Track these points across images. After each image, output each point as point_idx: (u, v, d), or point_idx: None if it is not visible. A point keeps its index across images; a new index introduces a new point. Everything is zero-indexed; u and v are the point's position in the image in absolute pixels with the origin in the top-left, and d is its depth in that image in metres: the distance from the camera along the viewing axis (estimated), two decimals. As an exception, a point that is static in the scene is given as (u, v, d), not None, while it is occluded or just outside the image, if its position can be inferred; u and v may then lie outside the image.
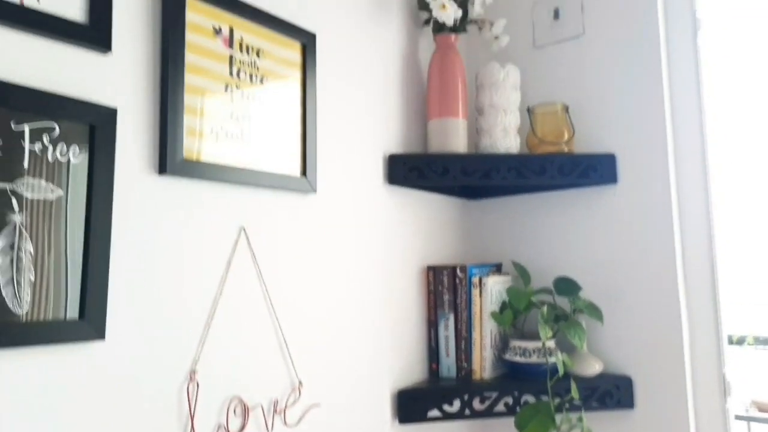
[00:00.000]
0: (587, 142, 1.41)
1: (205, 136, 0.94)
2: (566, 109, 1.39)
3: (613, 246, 1.38)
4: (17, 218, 0.73)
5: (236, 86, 0.99)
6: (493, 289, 1.37)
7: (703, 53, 1.32)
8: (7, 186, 0.72)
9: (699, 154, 1.33)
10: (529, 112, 1.41)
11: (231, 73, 0.99)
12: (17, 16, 0.73)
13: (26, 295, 0.73)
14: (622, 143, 1.37)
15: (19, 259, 0.73)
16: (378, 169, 1.31)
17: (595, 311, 1.31)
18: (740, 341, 1.57)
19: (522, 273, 1.40)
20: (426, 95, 1.41)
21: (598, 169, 1.36)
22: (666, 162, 1.33)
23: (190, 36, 0.92)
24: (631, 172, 1.36)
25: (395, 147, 1.37)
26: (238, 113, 0.99)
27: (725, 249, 1.33)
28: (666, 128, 1.33)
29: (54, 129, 0.76)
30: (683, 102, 1.34)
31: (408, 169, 1.33)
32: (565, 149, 1.37)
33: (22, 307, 0.73)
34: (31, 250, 0.74)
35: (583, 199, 1.43)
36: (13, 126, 0.73)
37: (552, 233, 1.47)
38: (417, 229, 1.41)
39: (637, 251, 1.34)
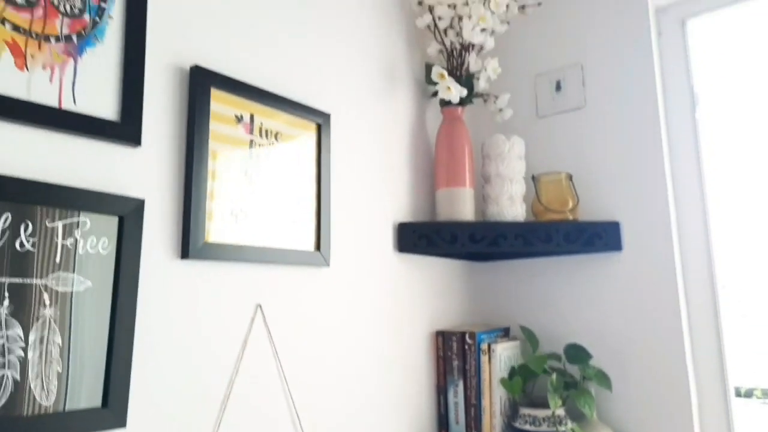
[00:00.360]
0: (591, 209, 1.45)
1: (225, 218, 0.97)
2: (570, 177, 1.44)
3: (619, 312, 1.40)
4: (48, 312, 0.75)
5: (255, 169, 1.03)
6: (502, 355, 1.38)
7: (701, 126, 1.37)
8: (40, 282, 0.75)
9: (701, 221, 1.37)
10: (533, 180, 1.45)
11: (251, 157, 1.03)
12: (56, 118, 0.77)
13: (53, 387, 0.75)
14: (626, 211, 1.41)
15: (48, 352, 0.75)
16: (388, 237, 1.35)
17: (604, 379, 1.32)
18: (748, 394, 1.57)
19: (530, 338, 1.42)
20: (434, 165, 1.46)
21: (603, 237, 1.39)
22: (669, 229, 1.36)
23: (213, 125, 0.97)
24: (635, 239, 1.39)
25: (404, 215, 1.40)
26: (256, 194, 1.03)
27: (730, 306, 1.35)
28: (668, 197, 1.37)
29: (86, 223, 0.80)
30: (684, 171, 1.38)
31: (417, 237, 1.36)
32: (570, 217, 1.41)
33: (49, 398, 0.74)
34: (59, 342, 0.76)
35: (588, 265, 1.46)
36: (48, 223, 0.76)
37: (559, 297, 1.49)
38: (426, 293, 1.44)
39: (643, 317, 1.36)
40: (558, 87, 1.51)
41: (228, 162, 0.99)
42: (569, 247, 1.37)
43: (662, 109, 1.40)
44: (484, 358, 1.37)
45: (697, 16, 1.38)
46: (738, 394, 1.36)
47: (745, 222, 1.43)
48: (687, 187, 1.38)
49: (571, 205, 1.42)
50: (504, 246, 1.36)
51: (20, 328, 0.73)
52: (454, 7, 1.39)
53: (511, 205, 1.42)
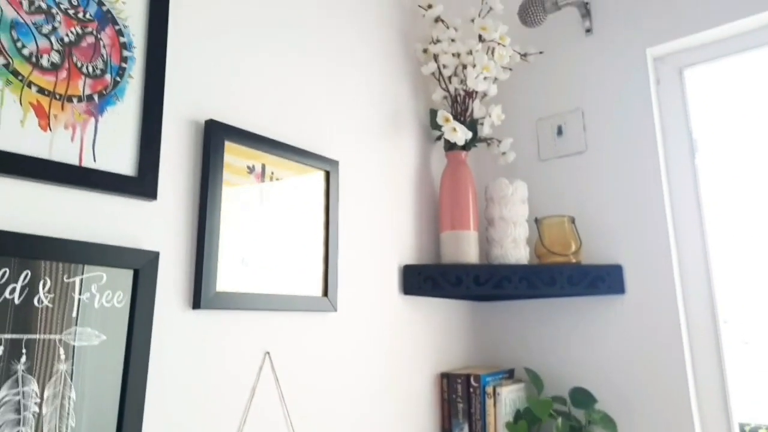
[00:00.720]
0: (594, 252, 1.47)
1: (235, 266, 0.99)
2: (572, 220, 1.46)
3: (624, 354, 1.40)
4: (63, 367, 0.76)
5: (266, 216, 1.05)
6: (507, 398, 1.38)
7: (701, 171, 1.40)
8: (57, 337, 0.76)
9: (702, 264, 1.38)
10: (536, 222, 1.47)
11: (261, 205, 1.05)
12: (77, 176, 0.79)
13: (66, 442, 0.75)
14: (628, 254, 1.43)
15: (62, 407, 0.76)
16: (393, 280, 1.36)
17: (610, 424, 1.32)
18: (753, 431, 1.57)
19: (535, 380, 1.42)
20: (438, 207, 1.48)
21: (606, 280, 1.41)
22: (671, 272, 1.37)
23: (226, 176, 0.99)
24: (638, 282, 1.41)
25: (409, 257, 1.42)
26: (266, 241, 1.05)
27: (733, 345, 1.36)
28: (669, 240, 1.39)
29: (102, 277, 0.81)
30: (684, 216, 1.41)
31: (422, 279, 1.38)
32: (573, 260, 1.43)
33: (61, 454, 0.75)
34: (73, 397, 0.77)
35: (592, 307, 1.47)
36: (65, 279, 0.78)
37: (563, 339, 1.50)
38: (430, 335, 1.44)
39: (647, 359, 1.37)
40: (559, 131, 1.55)
41: (239, 211, 1.01)
42: (573, 290, 1.39)
43: (662, 154, 1.43)
44: (489, 402, 1.37)
45: (694, 66, 1.42)
46: (743, 431, 1.36)
47: (746, 264, 1.45)
48: (688, 231, 1.40)
49: (574, 248, 1.44)
50: (508, 288, 1.37)
51: (36, 384, 0.74)
52: (459, 56, 1.43)
53: (515, 248, 1.44)
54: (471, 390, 1.39)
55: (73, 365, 0.77)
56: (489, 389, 1.38)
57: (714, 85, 1.43)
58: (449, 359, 1.50)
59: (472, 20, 1.45)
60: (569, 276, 1.39)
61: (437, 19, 1.50)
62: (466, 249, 1.41)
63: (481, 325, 1.63)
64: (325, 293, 1.16)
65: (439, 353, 1.46)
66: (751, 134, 1.39)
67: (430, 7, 1.50)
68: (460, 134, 1.36)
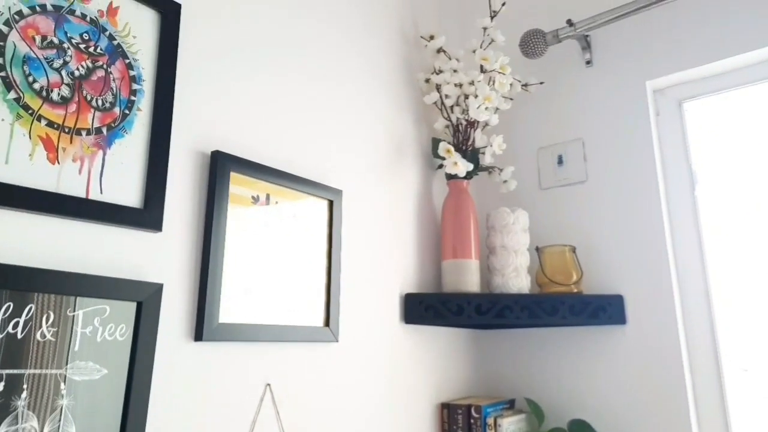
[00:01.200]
0: (595, 282, 1.47)
1: (238, 297, 0.99)
2: (573, 250, 1.46)
3: (625, 385, 1.39)
4: (63, 402, 0.75)
5: (269, 246, 1.05)
6: (508, 429, 1.37)
7: (701, 203, 1.41)
8: (59, 372, 0.75)
9: (703, 294, 1.38)
10: (537, 251, 1.48)
11: (265, 235, 1.05)
12: (83, 209, 0.79)
13: (64, 479, 0.74)
14: (629, 285, 1.43)
15: (62, 443, 0.75)
16: (395, 309, 1.35)
17: (611, 457, 1.30)
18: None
19: (536, 411, 1.41)
20: (440, 236, 1.48)
21: (607, 310, 1.41)
22: (672, 303, 1.37)
23: (231, 206, 0.99)
24: (639, 312, 1.41)
25: (411, 286, 1.42)
26: (269, 272, 1.05)
27: (734, 375, 1.35)
28: (670, 271, 1.39)
29: (105, 310, 0.81)
30: (685, 246, 1.41)
31: (424, 308, 1.37)
32: (575, 290, 1.43)
33: (59, 492, 0.73)
34: (74, 432, 0.76)
35: (593, 337, 1.46)
36: (68, 312, 0.77)
37: (564, 369, 1.49)
38: (431, 364, 1.43)
39: (648, 391, 1.36)
40: (560, 161, 1.56)
41: (243, 241, 1.01)
42: (574, 320, 1.38)
43: (662, 185, 1.44)
44: (491, 433, 1.35)
45: (693, 99, 1.44)
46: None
47: (746, 294, 1.45)
48: (688, 261, 1.41)
49: (575, 277, 1.44)
50: (510, 318, 1.37)
51: (36, 420, 0.73)
52: (461, 86, 1.45)
53: (516, 277, 1.44)
54: (472, 421, 1.37)
55: (73, 400, 0.76)
56: (490, 420, 1.36)
57: (713, 117, 1.45)
58: (450, 389, 1.48)
59: (474, 51, 1.47)
60: (571, 306, 1.39)
61: (439, 50, 1.52)
62: (468, 278, 1.41)
63: (483, 354, 1.62)
64: (327, 323, 1.15)
65: (440, 383, 1.45)
66: (749, 167, 1.41)
67: (432, 38, 1.53)
68: (461, 168, 1.37)
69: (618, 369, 1.41)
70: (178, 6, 0.96)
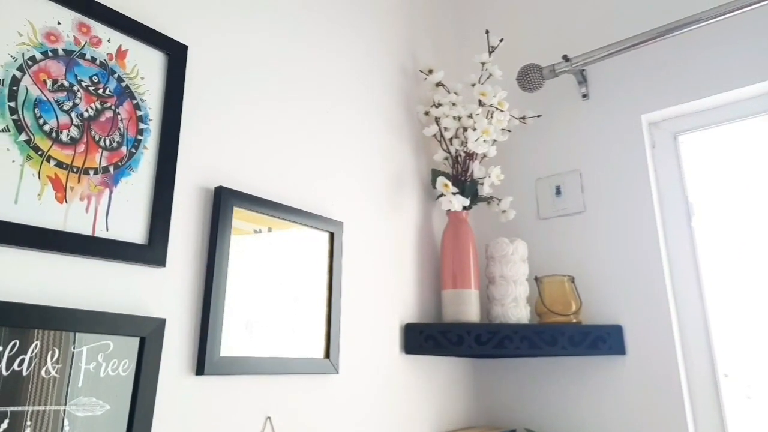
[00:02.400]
0: (594, 312, 1.48)
1: (239, 331, 1.00)
2: (572, 280, 1.47)
3: (625, 415, 1.39)
4: (66, 438, 0.76)
5: (270, 279, 1.07)
6: (509, 461, 1.36)
7: (698, 234, 1.43)
8: (62, 408, 0.76)
9: (701, 323, 1.39)
10: (536, 281, 1.49)
11: (266, 268, 1.07)
12: (89, 246, 0.81)
13: None
14: (628, 315, 1.44)
15: (63, 480, 0.75)
16: (395, 339, 1.36)
17: (613, 490, 1.30)
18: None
19: (537, 443, 1.40)
20: (440, 266, 1.50)
21: (606, 341, 1.41)
22: (671, 333, 1.38)
23: (234, 240, 1.01)
24: (638, 343, 1.41)
25: (411, 316, 1.43)
26: (270, 304, 1.06)
27: (735, 404, 1.35)
28: (668, 301, 1.40)
29: (109, 346, 0.82)
30: (683, 276, 1.42)
31: (424, 339, 1.38)
32: (574, 320, 1.43)
33: None
34: (75, 469, 0.76)
35: (593, 367, 1.46)
36: (73, 349, 0.78)
37: (564, 399, 1.49)
38: (431, 394, 1.43)
39: (648, 422, 1.36)
40: (558, 191, 1.58)
41: (245, 274, 1.03)
42: (574, 350, 1.39)
43: (659, 217, 1.46)
44: (491, 465, 1.35)
45: (688, 132, 1.47)
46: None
47: (745, 321, 1.46)
48: (686, 291, 1.42)
49: (574, 307, 1.45)
50: (510, 348, 1.37)
51: (39, 457, 0.73)
52: (459, 119, 1.48)
53: (516, 307, 1.45)
54: (472, 453, 1.37)
55: (76, 436, 0.77)
56: (491, 452, 1.36)
57: (709, 150, 1.47)
58: (450, 419, 1.48)
59: (473, 85, 1.50)
60: (570, 336, 1.39)
61: (438, 84, 1.55)
62: (468, 308, 1.42)
63: (482, 384, 1.62)
64: (327, 355, 1.16)
65: (440, 413, 1.45)
66: (745, 198, 1.42)
67: (431, 72, 1.56)
68: (456, 204, 1.39)
69: (618, 399, 1.41)
70: (185, 47, 0.99)
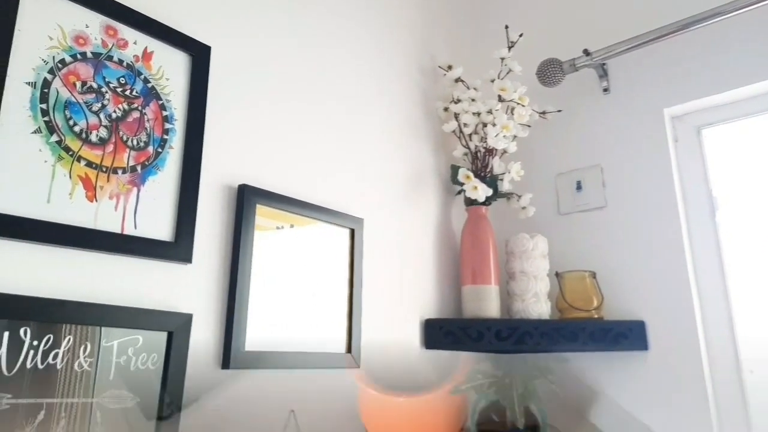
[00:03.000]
0: (616, 308, 1.47)
1: (263, 325, 1.02)
2: (594, 275, 1.46)
3: (648, 412, 1.38)
4: (98, 429, 0.79)
5: (293, 275, 1.09)
6: (530, 457, 1.37)
7: (722, 228, 1.40)
8: (94, 401, 0.79)
9: (726, 318, 1.37)
10: (557, 277, 1.48)
11: (289, 264, 1.08)
12: (118, 243, 0.84)
13: (98, 505, 0.77)
14: (651, 310, 1.42)
15: (96, 470, 0.78)
16: (415, 334, 1.37)
17: (635, 487, 1.29)
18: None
19: (558, 439, 1.40)
20: (459, 261, 1.50)
21: (628, 337, 1.40)
22: (695, 328, 1.36)
23: (257, 237, 1.03)
24: (661, 338, 1.40)
25: (431, 311, 1.44)
26: (293, 300, 1.08)
27: (760, 402, 1.33)
28: (692, 296, 1.38)
29: (139, 340, 0.84)
30: (706, 271, 1.40)
31: (444, 334, 1.38)
32: (595, 315, 1.43)
33: None
34: (107, 459, 0.79)
35: (615, 363, 1.45)
36: (104, 343, 0.81)
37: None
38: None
39: (671, 417, 1.34)
40: (579, 187, 1.57)
41: (268, 270, 1.05)
42: (595, 346, 1.38)
43: (682, 211, 1.44)
44: (512, 461, 1.35)
45: (712, 126, 1.45)
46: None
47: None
48: (710, 286, 1.40)
49: (596, 303, 1.44)
50: (530, 344, 1.37)
51: (73, 447, 0.76)
52: (479, 115, 1.47)
53: (536, 303, 1.45)
54: (493, 448, 1.37)
55: (107, 428, 0.80)
56: (512, 447, 1.36)
57: (733, 143, 1.45)
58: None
59: (492, 81, 1.50)
60: (591, 332, 1.39)
61: (457, 80, 1.55)
62: (488, 303, 1.42)
63: (503, 379, 1.62)
64: (349, 349, 1.17)
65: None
66: (771, 191, 1.40)
67: (450, 68, 1.56)
68: (480, 192, 1.39)
69: (640, 396, 1.40)
70: (208, 48, 1.01)
